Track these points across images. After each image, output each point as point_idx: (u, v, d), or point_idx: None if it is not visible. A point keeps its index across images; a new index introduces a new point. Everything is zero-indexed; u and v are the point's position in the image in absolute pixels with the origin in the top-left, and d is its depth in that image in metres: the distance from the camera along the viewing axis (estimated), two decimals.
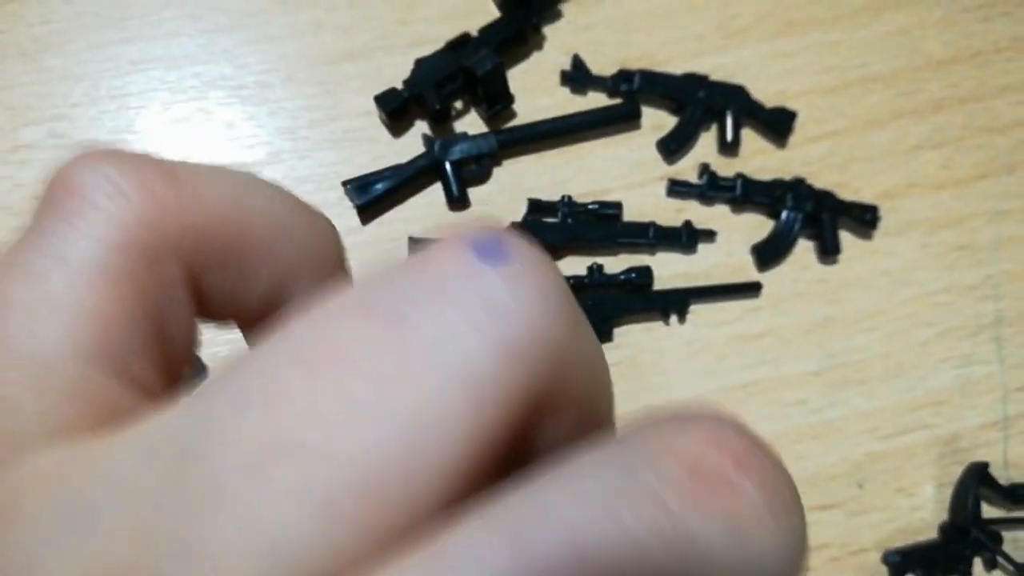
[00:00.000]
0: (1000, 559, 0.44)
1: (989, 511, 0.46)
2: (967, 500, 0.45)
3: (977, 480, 0.45)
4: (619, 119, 0.47)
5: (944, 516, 0.45)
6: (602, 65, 0.47)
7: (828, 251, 0.46)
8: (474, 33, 0.46)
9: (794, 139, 0.48)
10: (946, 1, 0.51)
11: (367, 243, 0.44)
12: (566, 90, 0.47)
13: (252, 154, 0.44)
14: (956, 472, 0.46)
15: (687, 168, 0.47)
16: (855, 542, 0.44)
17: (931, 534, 0.45)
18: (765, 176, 0.47)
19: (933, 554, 0.45)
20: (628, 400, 0.46)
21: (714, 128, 0.47)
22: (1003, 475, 0.46)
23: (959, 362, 0.47)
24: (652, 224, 0.45)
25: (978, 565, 0.45)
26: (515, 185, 0.46)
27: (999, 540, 0.45)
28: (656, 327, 0.45)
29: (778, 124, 0.47)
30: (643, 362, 0.45)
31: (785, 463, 0.12)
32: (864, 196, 0.48)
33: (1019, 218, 0.50)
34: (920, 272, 0.48)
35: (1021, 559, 0.45)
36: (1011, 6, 0.52)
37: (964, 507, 0.44)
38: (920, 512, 0.45)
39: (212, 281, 0.15)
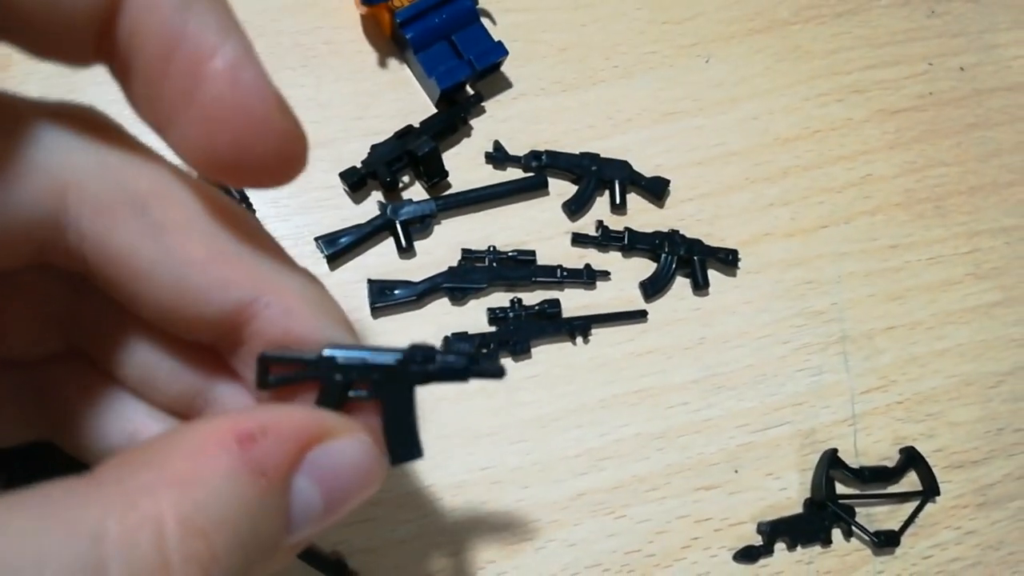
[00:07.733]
0: (855, 528, 0.51)
1: (847, 491, 0.52)
2: (822, 480, 0.51)
3: (828, 463, 0.51)
4: (531, 188, 0.53)
5: (807, 495, 0.52)
6: (517, 147, 0.54)
7: (699, 285, 0.54)
8: (416, 125, 0.52)
9: (670, 201, 0.56)
10: (790, 92, 0.61)
11: (334, 285, 0.50)
12: (489, 167, 0.54)
13: None
14: (815, 459, 0.52)
15: (586, 224, 0.54)
16: (733, 516, 0.51)
17: (797, 510, 0.51)
18: (647, 229, 0.54)
19: (797, 525, 0.51)
20: (546, 403, 0.55)
21: (607, 193, 0.55)
22: (854, 462, 0.53)
23: (812, 372, 0.54)
24: (560, 266, 0.52)
25: (839, 537, 0.51)
26: (451, 238, 0.52)
27: (852, 513, 0.51)
28: (566, 346, 0.52)
29: (656, 189, 0.55)
30: (556, 375, 0.51)
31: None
32: (728, 243, 0.55)
33: (857, 258, 0.57)
34: (776, 302, 0.55)
35: (873, 529, 0.51)
36: (843, 94, 0.61)
37: (820, 486, 0.51)
38: (787, 492, 0.52)
39: None
